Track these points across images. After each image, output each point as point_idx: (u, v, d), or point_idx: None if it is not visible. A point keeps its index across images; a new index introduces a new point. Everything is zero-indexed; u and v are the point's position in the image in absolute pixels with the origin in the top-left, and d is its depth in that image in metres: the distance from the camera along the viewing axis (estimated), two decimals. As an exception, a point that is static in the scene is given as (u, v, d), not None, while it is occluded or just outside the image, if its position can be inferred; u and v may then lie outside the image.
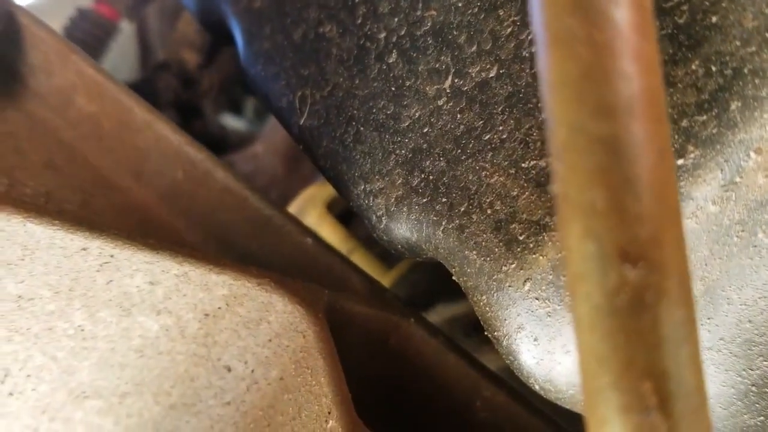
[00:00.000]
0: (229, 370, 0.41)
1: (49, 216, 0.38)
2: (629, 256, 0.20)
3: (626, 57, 0.20)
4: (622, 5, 0.21)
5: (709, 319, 0.35)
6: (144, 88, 0.89)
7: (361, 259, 0.74)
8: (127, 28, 0.95)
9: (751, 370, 0.35)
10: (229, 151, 0.96)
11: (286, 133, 0.88)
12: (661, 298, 0.20)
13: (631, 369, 0.20)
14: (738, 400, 0.36)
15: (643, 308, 0.20)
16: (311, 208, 0.79)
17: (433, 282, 0.73)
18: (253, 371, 0.41)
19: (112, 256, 0.39)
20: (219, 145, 0.99)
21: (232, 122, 1.08)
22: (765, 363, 0.35)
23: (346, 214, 0.81)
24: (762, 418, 0.36)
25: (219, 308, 0.41)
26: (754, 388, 0.36)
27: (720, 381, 0.36)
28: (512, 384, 0.47)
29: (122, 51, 0.95)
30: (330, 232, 0.76)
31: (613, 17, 0.20)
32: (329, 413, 0.38)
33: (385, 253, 0.77)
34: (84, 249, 0.38)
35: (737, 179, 0.31)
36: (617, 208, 0.20)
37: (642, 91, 0.20)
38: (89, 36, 0.87)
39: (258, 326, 0.41)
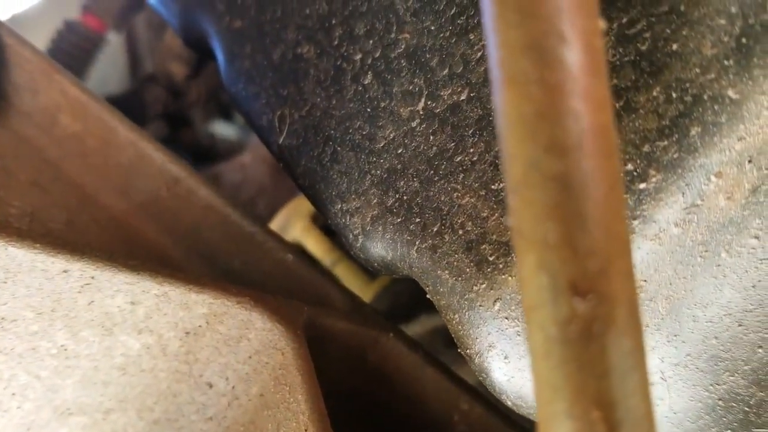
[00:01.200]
0: (211, 386, 0.42)
1: (30, 239, 0.39)
2: (579, 288, 0.21)
3: (576, 97, 0.21)
4: (574, 47, 0.21)
5: (675, 336, 0.35)
6: (132, 100, 0.90)
7: (345, 270, 0.75)
8: (114, 40, 0.95)
9: (718, 385, 0.36)
10: (218, 161, 0.96)
11: (273, 144, 0.88)
12: (609, 329, 0.21)
13: (581, 397, 0.21)
14: (706, 414, 0.37)
15: (592, 339, 0.21)
16: (296, 220, 0.79)
17: (417, 293, 0.74)
18: (233, 387, 0.42)
19: (93, 277, 0.39)
20: (208, 154, 1.00)
21: (221, 129, 1.09)
22: (731, 378, 0.36)
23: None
24: (729, 431, 0.37)
25: (199, 326, 0.41)
26: (721, 403, 0.36)
27: (688, 396, 0.37)
28: (489, 397, 0.48)
29: (111, 62, 0.95)
30: (315, 244, 0.77)
31: (564, 59, 0.21)
32: (306, 430, 0.38)
33: (369, 264, 0.78)
34: (65, 271, 0.39)
35: (699, 202, 0.32)
36: (568, 243, 0.21)
37: (592, 129, 0.21)
38: (76, 48, 0.87)
39: (238, 343, 0.42)
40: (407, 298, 0.74)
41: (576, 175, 0.21)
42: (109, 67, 0.95)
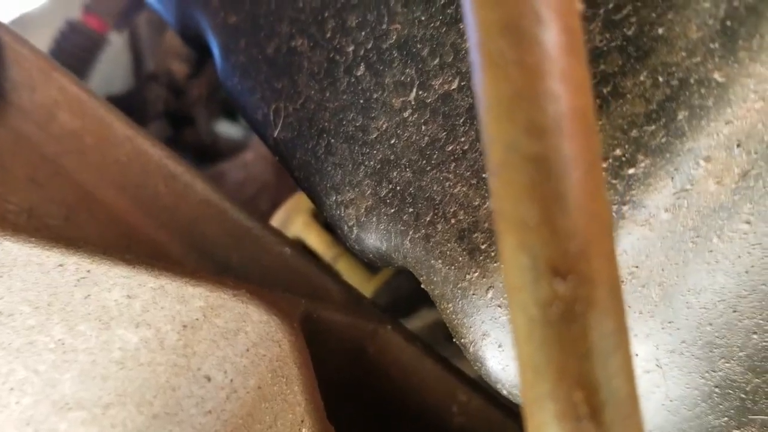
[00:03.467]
0: (209, 379, 0.42)
1: (25, 233, 0.39)
2: (559, 269, 0.21)
3: (554, 78, 0.21)
4: (551, 28, 0.21)
5: (670, 322, 0.35)
6: (134, 99, 0.90)
7: (346, 265, 0.75)
8: (116, 40, 0.95)
9: (714, 372, 0.36)
10: (221, 159, 0.96)
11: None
12: (590, 309, 0.21)
13: (563, 378, 0.21)
14: (702, 401, 0.37)
15: (573, 319, 0.21)
16: (297, 215, 0.79)
17: (417, 287, 0.74)
18: (232, 380, 0.42)
19: (89, 271, 0.40)
20: (210, 153, 1.00)
21: (226, 129, 1.09)
22: (727, 365, 0.36)
23: (332, 220, 0.81)
24: (726, 419, 0.37)
25: (197, 319, 0.41)
26: (717, 390, 0.36)
27: (684, 383, 0.36)
28: (488, 388, 0.48)
29: (113, 62, 0.96)
30: (316, 239, 0.77)
31: (541, 40, 0.21)
32: (302, 421, 0.38)
33: (371, 259, 0.78)
34: (61, 265, 0.39)
35: (688, 187, 0.32)
36: (548, 224, 0.21)
37: (570, 110, 0.21)
38: (78, 48, 0.88)
39: (235, 336, 0.42)
40: (408, 292, 0.74)
41: (554, 156, 0.21)
42: (112, 67, 0.96)
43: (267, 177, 0.91)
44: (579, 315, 0.21)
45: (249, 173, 0.91)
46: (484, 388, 0.48)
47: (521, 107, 0.21)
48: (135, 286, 0.40)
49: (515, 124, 0.21)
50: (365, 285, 0.73)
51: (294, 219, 0.79)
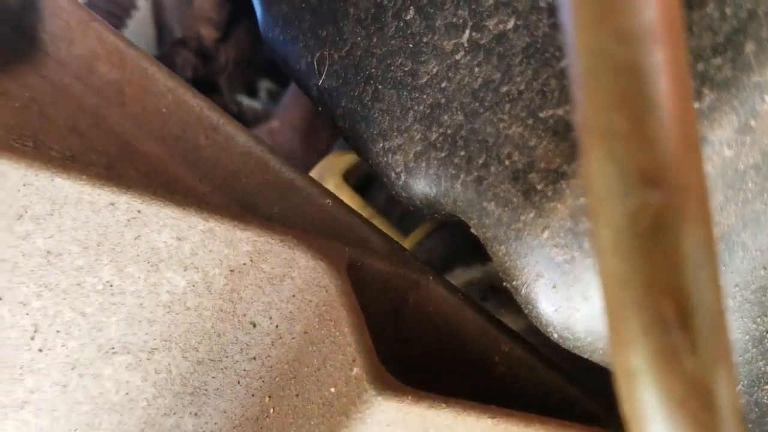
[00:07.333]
0: (254, 325, 0.42)
1: (77, 171, 0.39)
2: (650, 178, 0.20)
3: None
4: (642, -65, 0.21)
5: (724, 266, 0.35)
6: (162, 64, 0.90)
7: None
8: (143, 5, 0.95)
9: (766, 316, 0.36)
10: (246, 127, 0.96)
11: (303, 108, 0.88)
12: (682, 219, 0.20)
13: (652, 288, 0.21)
14: (753, 347, 0.36)
15: (664, 229, 0.20)
16: (328, 178, 0.79)
17: (449, 248, 0.74)
18: (277, 326, 0.42)
19: (139, 211, 0.39)
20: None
21: (246, 102, 1.09)
22: (779, 309, 0.36)
23: (362, 183, 0.81)
24: (777, 364, 0.37)
25: (244, 264, 0.41)
26: (768, 334, 0.36)
27: (735, 328, 0.36)
28: (530, 341, 0.48)
29: (139, 28, 0.95)
30: (347, 201, 0.77)
31: (633, -54, 0.21)
32: (353, 361, 0.38)
33: (402, 221, 0.78)
34: (112, 204, 0.39)
35: (752, 123, 0.32)
36: (638, 131, 0.21)
37: (662, 17, 0.21)
38: (107, 13, 0.87)
39: (282, 282, 0.42)
40: (440, 253, 0.74)
41: (646, 62, 0.21)
42: (139, 32, 0.95)
43: (293, 145, 0.91)
44: (671, 224, 0.20)
45: (275, 141, 0.91)
46: (525, 339, 0.48)
47: (612, 13, 0.21)
48: (185, 228, 0.40)
49: (605, 30, 0.21)
50: (397, 246, 0.73)
51: (325, 181, 0.79)
